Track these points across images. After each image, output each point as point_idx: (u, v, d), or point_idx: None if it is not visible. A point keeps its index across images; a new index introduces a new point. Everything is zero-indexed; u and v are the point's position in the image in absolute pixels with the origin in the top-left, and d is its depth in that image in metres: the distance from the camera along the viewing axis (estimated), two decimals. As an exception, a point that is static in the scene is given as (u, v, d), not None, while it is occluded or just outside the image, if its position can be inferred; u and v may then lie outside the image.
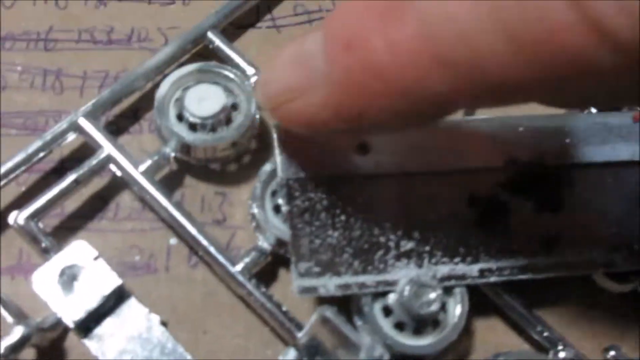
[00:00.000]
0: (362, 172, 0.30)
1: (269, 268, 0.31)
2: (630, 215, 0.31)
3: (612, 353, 0.30)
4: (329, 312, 0.26)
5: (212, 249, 0.30)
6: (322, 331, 0.26)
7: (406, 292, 0.28)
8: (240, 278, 0.29)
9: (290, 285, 0.28)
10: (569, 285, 0.32)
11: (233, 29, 0.36)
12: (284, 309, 0.29)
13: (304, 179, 0.29)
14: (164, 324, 0.30)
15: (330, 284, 0.28)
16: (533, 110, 0.35)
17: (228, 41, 0.34)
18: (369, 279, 0.28)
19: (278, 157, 0.29)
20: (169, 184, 0.32)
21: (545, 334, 0.30)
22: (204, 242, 0.30)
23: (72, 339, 0.29)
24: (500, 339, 0.31)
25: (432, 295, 0.28)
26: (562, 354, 0.29)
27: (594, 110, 0.34)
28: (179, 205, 0.31)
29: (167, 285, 0.31)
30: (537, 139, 0.32)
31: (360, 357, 0.25)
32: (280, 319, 0.29)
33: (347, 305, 0.29)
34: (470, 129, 0.32)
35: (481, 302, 0.31)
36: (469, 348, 0.31)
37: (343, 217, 0.29)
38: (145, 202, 0.32)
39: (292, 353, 0.28)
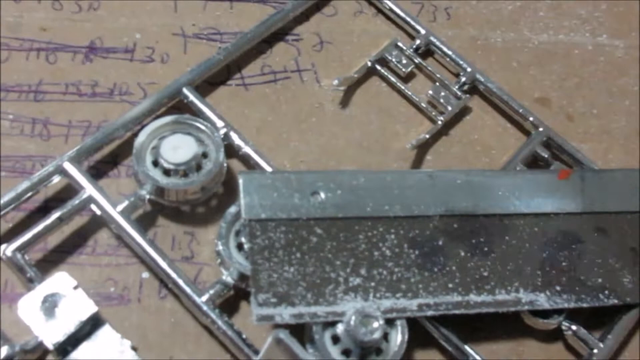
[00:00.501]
0: (315, 216, 0.33)
1: (232, 301, 0.34)
2: (552, 260, 0.35)
3: (534, 381, 0.34)
4: (282, 334, 0.29)
5: (180, 282, 0.33)
6: (276, 351, 0.29)
7: (352, 322, 0.31)
8: (205, 308, 0.33)
9: (250, 317, 0.31)
10: (500, 323, 0.35)
11: (206, 85, 0.40)
12: (243, 336, 0.33)
13: (264, 221, 0.33)
14: (134, 349, 0.33)
15: (285, 313, 0.32)
16: (471, 166, 0.39)
17: (201, 97, 0.38)
18: (320, 309, 0.32)
19: (242, 200, 0.33)
20: (144, 223, 0.36)
21: (476, 363, 0.34)
22: (174, 275, 0.33)
23: (50, 362, 0.32)
24: (438, 369, 0.34)
25: (375, 324, 0.32)
26: (490, 382, 0.33)
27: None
28: (152, 243, 0.34)
29: (139, 314, 0.34)
30: (472, 192, 0.36)
31: (309, 375, 0.28)
32: (240, 346, 0.32)
33: (301, 335, 0.32)
34: (414, 180, 0.36)
35: (422, 338, 0.34)
36: (409, 376, 0.34)
37: (298, 255, 0.33)
38: (121, 239, 0.35)
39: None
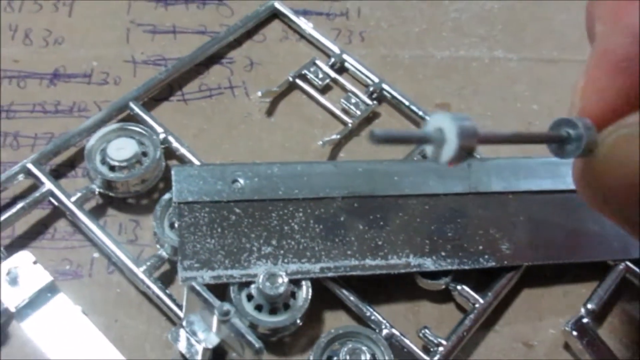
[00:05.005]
0: (235, 198, 0.40)
1: (168, 274, 0.41)
2: (439, 232, 0.42)
3: (423, 332, 0.39)
4: (194, 282, 0.36)
5: (124, 258, 0.40)
6: (192, 300, 0.36)
7: (261, 280, 0.38)
8: (142, 276, 0.39)
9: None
10: (398, 287, 0.42)
11: (152, 101, 0.47)
12: (174, 297, 0.39)
13: (191, 203, 0.40)
14: (84, 313, 0.39)
15: (206, 275, 0.38)
16: (372, 157, 0.46)
17: (145, 109, 0.45)
18: (235, 272, 0.38)
19: (174, 187, 0.40)
20: (96, 214, 0.42)
21: (373, 317, 0.40)
22: (119, 253, 0.40)
23: (13, 326, 0.39)
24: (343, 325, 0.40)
25: (280, 280, 0.38)
26: (385, 331, 0.39)
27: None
28: (101, 227, 0.41)
29: (89, 286, 0.41)
30: (371, 177, 0.43)
31: (215, 313, 0.34)
32: (170, 306, 0.39)
33: (223, 297, 0.39)
34: (321, 169, 0.42)
35: (329, 300, 0.41)
36: (319, 332, 0.40)
37: (219, 230, 0.39)
38: (76, 226, 0.42)
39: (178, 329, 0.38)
